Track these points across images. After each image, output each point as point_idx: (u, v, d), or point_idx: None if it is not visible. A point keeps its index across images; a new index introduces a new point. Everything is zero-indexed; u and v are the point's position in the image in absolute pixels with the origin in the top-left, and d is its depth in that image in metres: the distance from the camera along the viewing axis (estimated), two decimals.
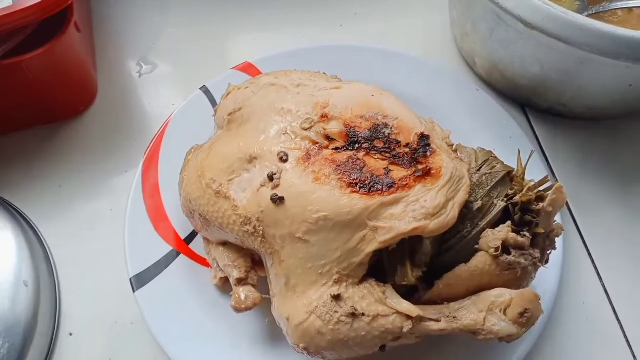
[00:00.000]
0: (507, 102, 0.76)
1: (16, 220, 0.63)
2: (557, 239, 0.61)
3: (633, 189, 0.70)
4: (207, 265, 0.61)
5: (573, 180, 0.70)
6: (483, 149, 0.54)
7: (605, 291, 0.64)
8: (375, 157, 0.50)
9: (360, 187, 0.48)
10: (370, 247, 0.47)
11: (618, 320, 0.62)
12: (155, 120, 0.73)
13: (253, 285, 0.56)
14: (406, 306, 0.47)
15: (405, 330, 0.47)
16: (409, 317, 0.47)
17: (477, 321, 0.47)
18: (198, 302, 0.59)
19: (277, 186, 0.49)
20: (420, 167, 0.49)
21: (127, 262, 0.60)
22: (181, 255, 0.62)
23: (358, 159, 0.50)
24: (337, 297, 0.47)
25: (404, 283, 0.48)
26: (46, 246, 0.64)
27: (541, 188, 0.51)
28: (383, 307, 0.47)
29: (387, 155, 0.50)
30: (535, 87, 0.69)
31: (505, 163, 0.53)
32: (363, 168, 0.49)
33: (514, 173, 0.53)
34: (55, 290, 0.62)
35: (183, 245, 0.63)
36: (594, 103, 0.69)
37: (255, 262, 0.57)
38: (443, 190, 0.48)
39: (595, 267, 0.65)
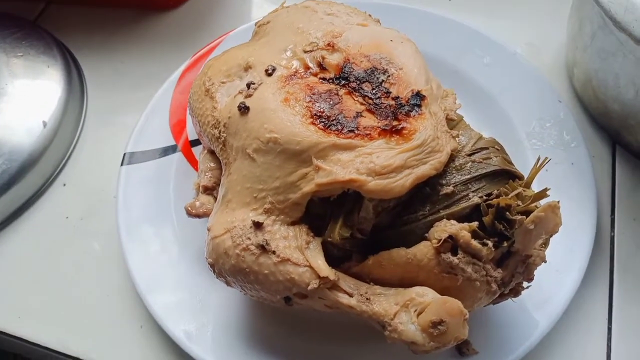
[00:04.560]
0: (596, 132, 0.63)
1: (70, 73, 0.68)
2: (565, 289, 0.51)
3: None
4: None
5: (633, 244, 0.56)
6: (493, 138, 0.45)
7: None
8: (356, 98, 0.44)
9: (321, 121, 0.43)
10: (308, 187, 0.42)
11: None
12: None
13: (215, 198, 0.54)
14: (320, 263, 0.42)
15: (310, 287, 0.41)
16: (320, 276, 0.41)
17: (387, 312, 0.40)
18: (172, 198, 0.59)
19: (249, 96, 0.47)
20: (394, 123, 0.42)
21: (129, 138, 0.62)
22: (179, 153, 0.62)
23: (336, 94, 0.45)
24: (257, 225, 0.43)
25: (329, 240, 0.42)
26: (85, 105, 0.69)
27: (540, 203, 0.41)
28: (298, 255, 0.42)
29: (369, 100, 0.44)
30: (626, 116, 0.56)
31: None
32: (336, 105, 0.44)
33: (519, 178, 0.43)
34: (72, 145, 0.66)
35: (186, 146, 0.63)
36: None
37: None
38: (404, 155, 0.41)
39: (609, 347, 0.51)
